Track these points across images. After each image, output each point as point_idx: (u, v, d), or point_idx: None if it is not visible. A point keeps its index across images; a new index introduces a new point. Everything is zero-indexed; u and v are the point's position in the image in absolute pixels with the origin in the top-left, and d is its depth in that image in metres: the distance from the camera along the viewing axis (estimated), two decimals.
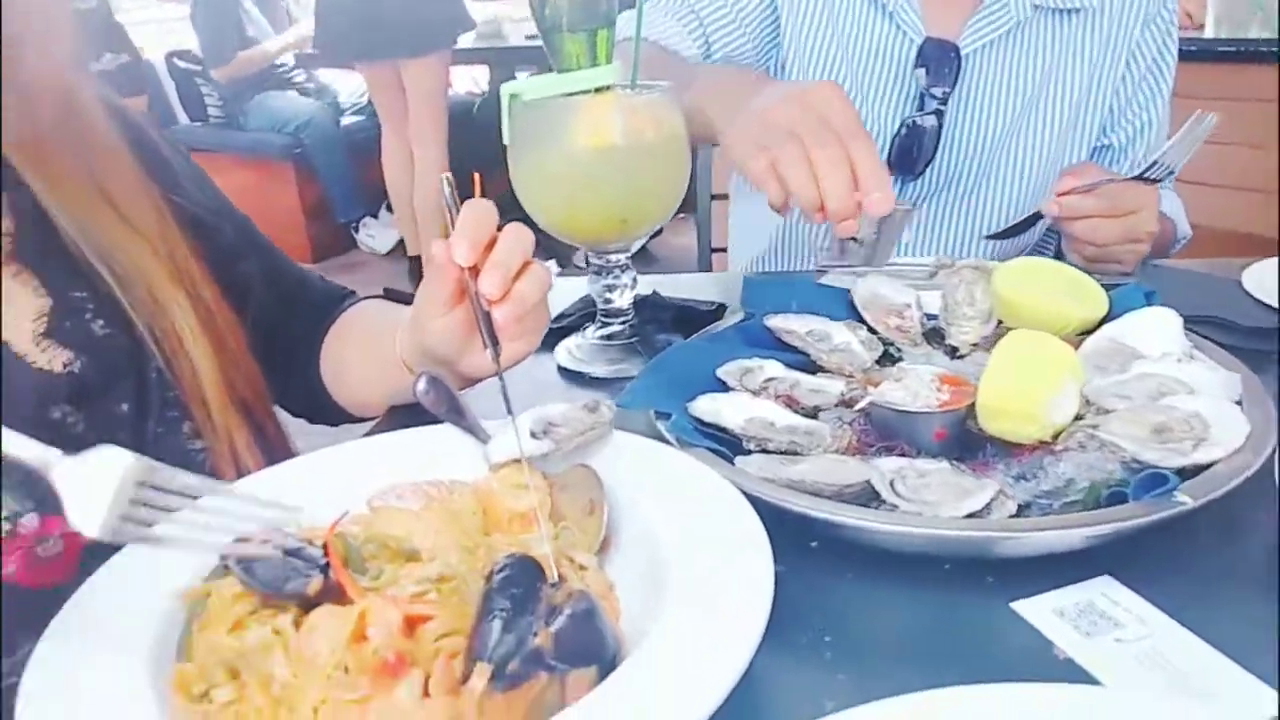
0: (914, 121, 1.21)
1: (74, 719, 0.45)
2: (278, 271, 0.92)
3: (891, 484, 0.60)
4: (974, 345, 0.81)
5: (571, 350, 0.94)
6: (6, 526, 0.67)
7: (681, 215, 1.08)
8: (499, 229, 0.69)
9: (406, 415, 0.81)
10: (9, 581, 0.67)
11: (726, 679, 0.44)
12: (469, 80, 4.85)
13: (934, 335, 0.84)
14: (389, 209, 4.34)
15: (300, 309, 0.92)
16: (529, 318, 0.70)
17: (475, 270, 0.68)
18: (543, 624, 0.48)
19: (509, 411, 0.64)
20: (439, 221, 3.90)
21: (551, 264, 0.76)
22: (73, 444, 0.72)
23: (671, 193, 0.87)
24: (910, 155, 1.23)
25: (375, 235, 4.62)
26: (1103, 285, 0.83)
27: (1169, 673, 0.50)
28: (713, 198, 1.74)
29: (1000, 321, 0.82)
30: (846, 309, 0.87)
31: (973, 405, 0.67)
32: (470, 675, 0.46)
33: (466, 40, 4.11)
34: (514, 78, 4.08)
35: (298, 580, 0.50)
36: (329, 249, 4.57)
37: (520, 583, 0.49)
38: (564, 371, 0.93)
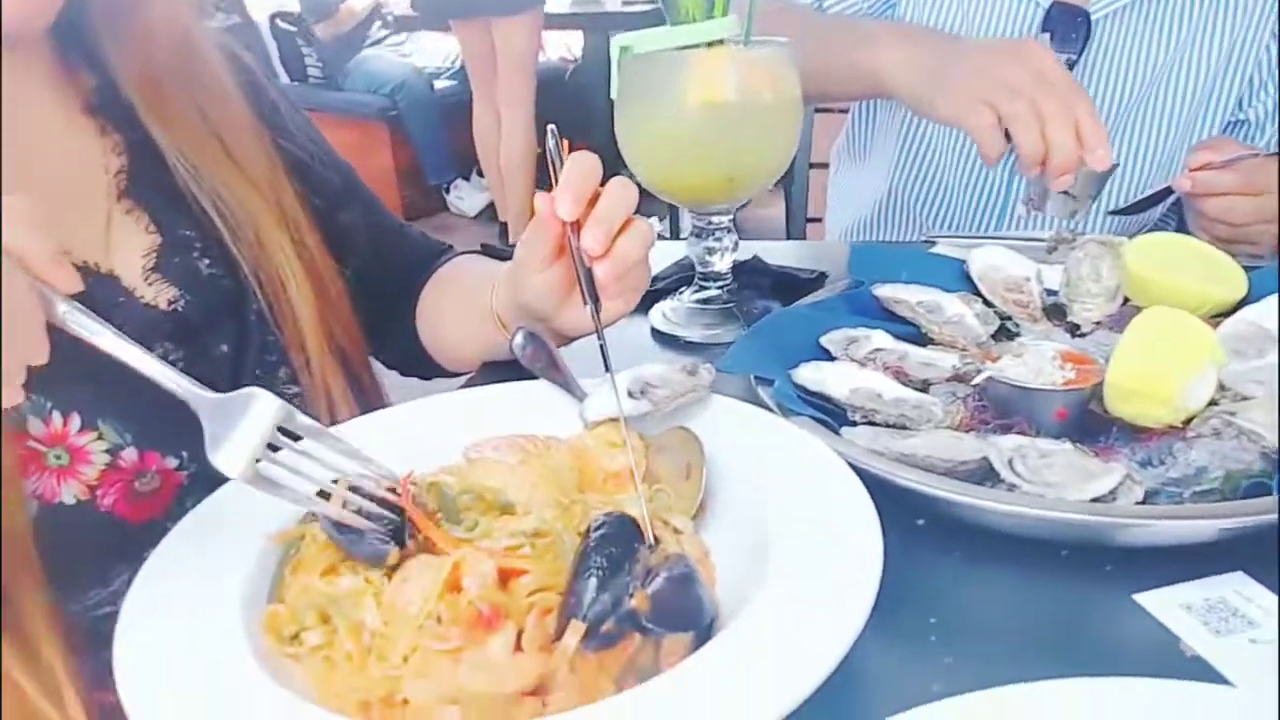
0: None
1: (167, 654, 0.45)
2: (379, 223, 0.91)
3: (1010, 463, 0.57)
4: (1097, 323, 0.77)
5: (666, 313, 0.92)
6: (106, 459, 0.68)
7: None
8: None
9: (500, 372, 0.79)
10: (106, 512, 0.69)
11: (829, 658, 0.42)
12: (563, 46, 4.83)
13: (1054, 311, 0.80)
14: (479, 173, 4.37)
15: (399, 261, 0.92)
16: (630, 275, 0.68)
17: (577, 225, 0.66)
18: (639, 585, 0.46)
19: (608, 369, 0.62)
20: (522, 183, 3.91)
21: (654, 221, 0.74)
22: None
23: (781, 153, 0.84)
24: None
25: (465, 198, 4.66)
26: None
27: None
28: (810, 166, 1.69)
29: (1127, 299, 0.77)
30: (960, 281, 0.82)
31: (1098, 385, 0.63)
32: (564, 632, 0.44)
33: (563, 5, 4.09)
34: (608, 43, 4.06)
35: (377, 548, 0.49)
36: (420, 210, 4.62)
37: (618, 541, 0.47)
38: (657, 334, 0.91)
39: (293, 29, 4.50)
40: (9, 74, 0.68)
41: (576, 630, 0.44)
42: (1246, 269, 0.77)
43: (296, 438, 0.51)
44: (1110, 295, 0.78)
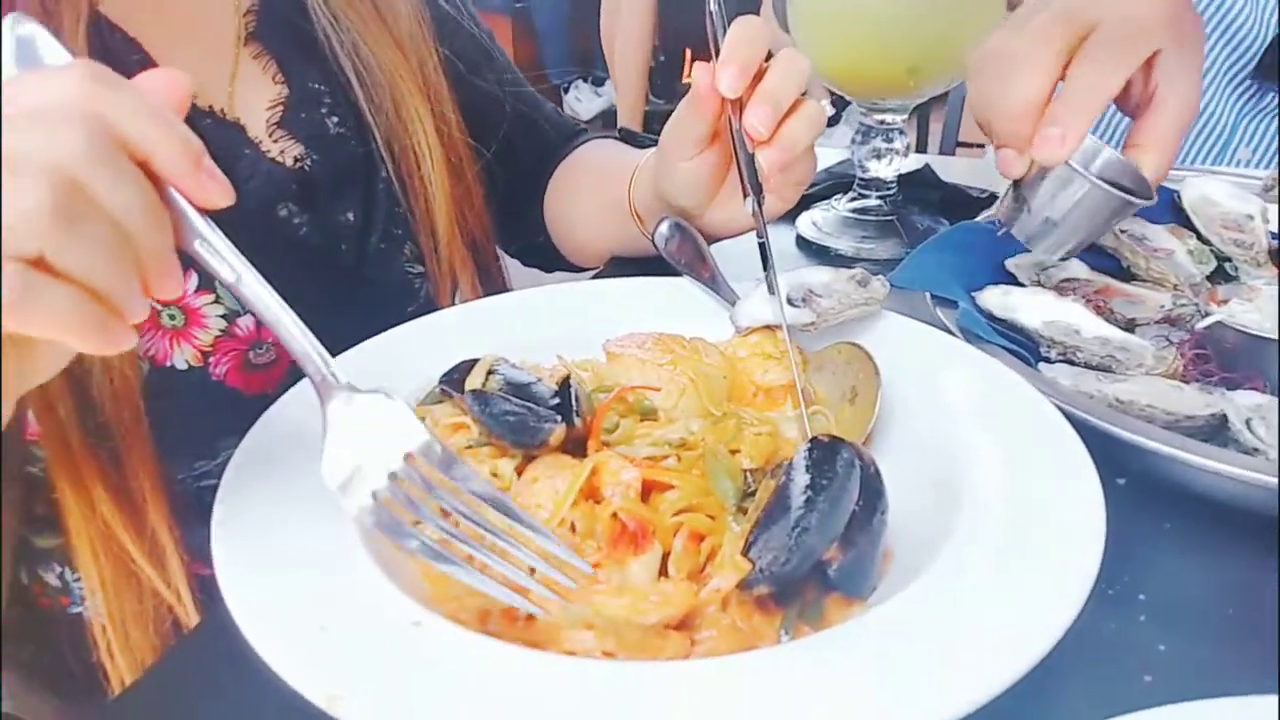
0: None
1: (267, 535, 0.40)
2: (515, 92, 0.84)
3: (1249, 423, 0.47)
4: None
5: (816, 221, 0.83)
6: (222, 324, 0.64)
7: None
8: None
9: (631, 268, 0.73)
10: (218, 381, 0.65)
11: (1034, 649, 0.34)
12: None
13: None
14: (594, 80, 4.26)
15: (533, 139, 0.85)
16: (797, 165, 0.59)
17: (739, 104, 0.57)
18: (840, 533, 0.38)
19: (767, 270, 0.54)
20: (635, 79, 3.76)
21: (825, 104, 0.64)
22: (295, 248, 0.70)
23: (971, 39, 0.73)
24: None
25: (582, 100, 4.57)
26: None
27: None
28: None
29: None
30: (1170, 212, 0.71)
31: None
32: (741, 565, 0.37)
33: None
34: None
35: (539, 428, 0.43)
36: None
37: (830, 473, 0.39)
38: (803, 244, 0.82)
39: None
40: None
41: (739, 567, 0.37)
42: None
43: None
44: None
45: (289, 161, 0.67)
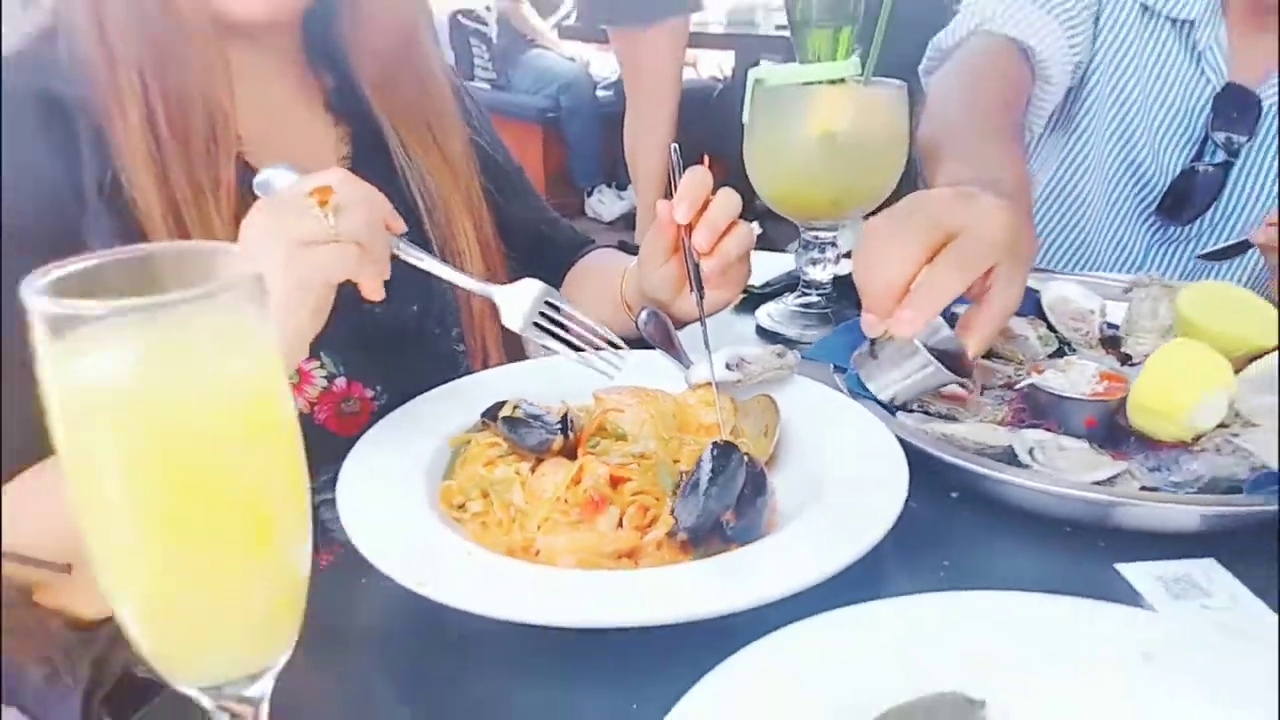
0: (1196, 169, 1.18)
1: (376, 506, 0.63)
2: (540, 216, 1.09)
3: (1031, 451, 0.70)
4: (1146, 356, 0.87)
5: (771, 314, 1.07)
6: (324, 383, 0.88)
7: None
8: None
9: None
10: (319, 425, 0.88)
11: (846, 555, 0.56)
12: (715, 66, 5.02)
13: (1110, 342, 0.91)
14: (618, 184, 4.59)
15: (552, 249, 1.09)
16: (732, 270, 0.82)
17: (689, 228, 0.81)
18: (733, 502, 0.60)
19: (706, 345, 0.78)
20: (654, 190, 4.03)
21: (754, 225, 0.87)
22: (377, 328, 0.92)
23: (884, 181, 0.97)
24: (1183, 202, 1.19)
25: (605, 203, 4.89)
26: None
27: (1243, 640, 0.57)
28: None
29: (1177, 338, 0.88)
30: (1032, 307, 0.94)
31: (1123, 400, 0.75)
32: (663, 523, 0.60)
33: (718, 26, 4.26)
34: (758, 64, 4.20)
35: (546, 438, 0.66)
36: (561, 211, 4.83)
37: (724, 464, 0.62)
38: (761, 331, 1.06)
39: (474, 25, 4.81)
40: (266, 66, 0.87)
41: (666, 523, 0.60)
42: None
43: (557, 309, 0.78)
44: (1163, 332, 0.88)
45: None
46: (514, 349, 1.03)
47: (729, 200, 0.81)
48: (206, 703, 0.39)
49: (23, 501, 0.70)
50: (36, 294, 0.33)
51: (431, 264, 0.76)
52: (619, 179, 4.69)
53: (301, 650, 0.41)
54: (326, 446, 0.78)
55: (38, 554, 0.67)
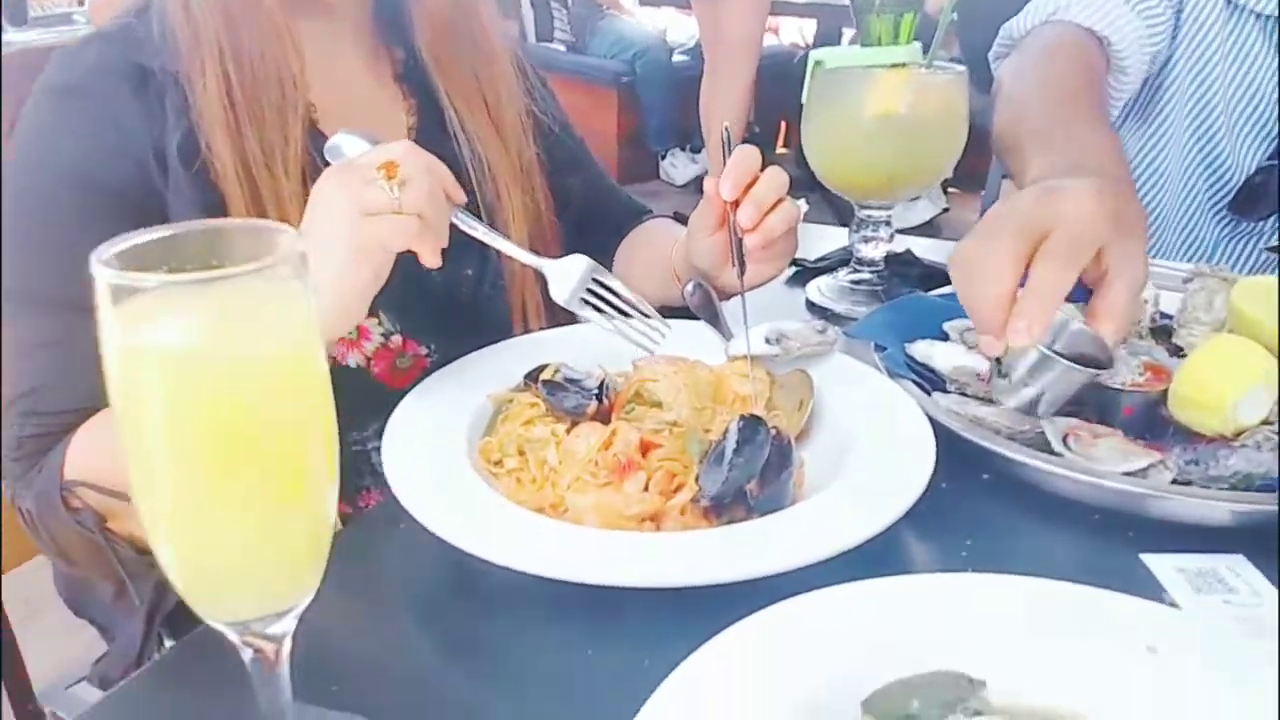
0: (1274, 165, 1.16)
1: (418, 459, 0.66)
2: (596, 185, 1.11)
3: (1064, 438, 0.70)
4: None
5: (821, 289, 1.07)
6: (381, 339, 0.91)
7: (971, 192, 1.15)
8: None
9: (666, 314, 0.98)
10: (375, 378, 0.91)
11: (869, 528, 0.58)
12: (796, 32, 4.95)
13: (1162, 333, 0.89)
14: (693, 147, 4.57)
15: (606, 218, 1.11)
16: (776, 245, 0.83)
17: (736, 204, 0.82)
18: (759, 474, 0.62)
19: (744, 320, 0.79)
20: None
21: (801, 203, 0.87)
22: (434, 292, 0.95)
23: (940, 164, 0.97)
24: (1257, 199, 1.18)
25: (677, 167, 4.88)
26: None
27: (1267, 637, 0.57)
28: (1003, 177, 1.77)
29: (1230, 331, 0.86)
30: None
31: (1164, 391, 0.74)
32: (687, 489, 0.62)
33: None
34: (840, 34, 4.14)
35: (582, 403, 0.69)
36: (634, 174, 4.88)
37: (752, 436, 0.64)
38: (811, 305, 1.07)
39: None
40: (339, 38, 0.91)
41: (691, 490, 0.62)
42: None
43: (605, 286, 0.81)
44: (1217, 325, 0.87)
45: None
46: (554, 315, 1.06)
47: (776, 178, 0.82)
48: (234, 637, 0.43)
49: (98, 438, 0.75)
50: (102, 264, 0.36)
51: (486, 234, 0.79)
52: (693, 143, 4.67)
53: (335, 581, 0.45)
54: (380, 398, 0.83)
55: (110, 485, 0.72)
